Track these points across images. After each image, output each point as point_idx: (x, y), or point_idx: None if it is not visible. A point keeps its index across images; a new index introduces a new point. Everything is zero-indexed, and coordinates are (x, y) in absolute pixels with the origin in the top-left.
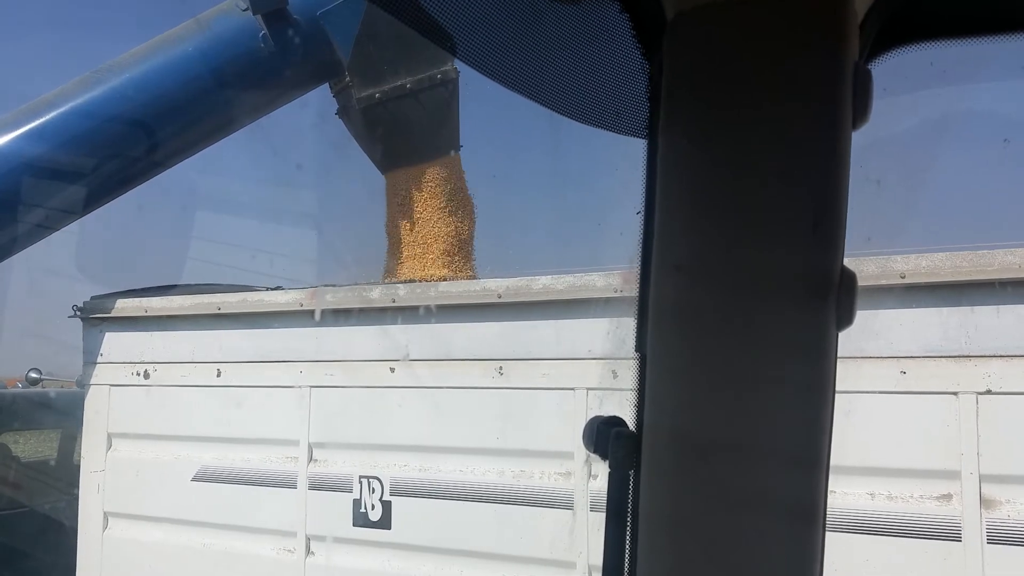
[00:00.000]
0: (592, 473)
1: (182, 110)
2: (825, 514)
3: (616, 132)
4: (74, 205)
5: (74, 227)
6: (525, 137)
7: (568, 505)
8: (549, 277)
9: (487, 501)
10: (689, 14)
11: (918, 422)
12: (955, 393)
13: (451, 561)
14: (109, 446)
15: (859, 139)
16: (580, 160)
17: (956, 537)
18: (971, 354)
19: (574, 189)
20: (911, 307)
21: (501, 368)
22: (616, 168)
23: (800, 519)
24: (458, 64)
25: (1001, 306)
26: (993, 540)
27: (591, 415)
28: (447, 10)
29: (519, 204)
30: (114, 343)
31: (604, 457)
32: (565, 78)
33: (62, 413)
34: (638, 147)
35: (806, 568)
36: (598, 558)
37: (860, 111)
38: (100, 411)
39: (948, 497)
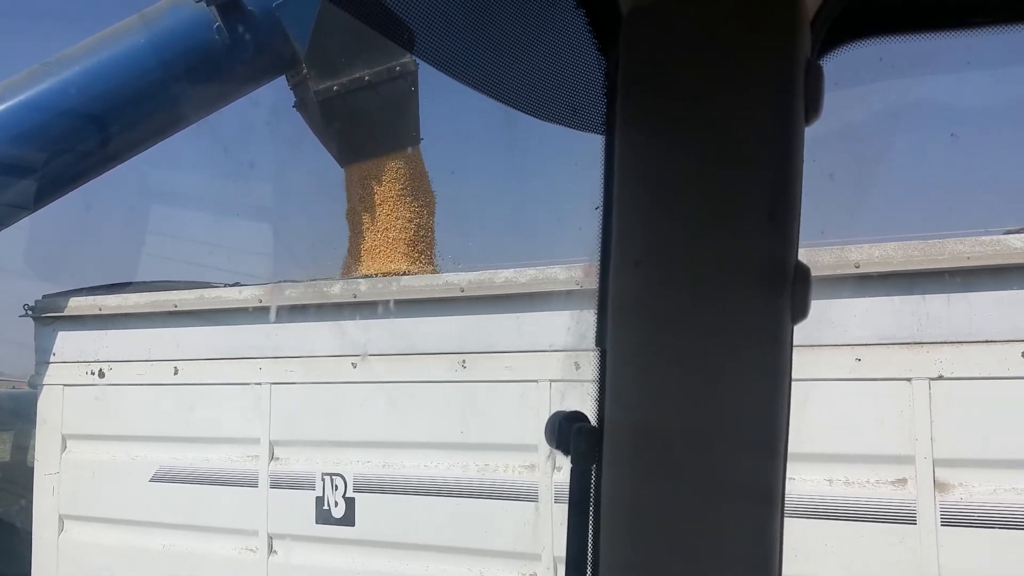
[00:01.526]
0: (556, 465)
1: (135, 103)
2: (784, 500)
3: (574, 128)
4: (24, 201)
5: (24, 224)
6: (485, 132)
7: (532, 498)
8: (511, 271)
9: (451, 496)
10: (643, 10)
11: (873, 408)
12: (908, 379)
13: (416, 556)
14: (64, 447)
15: (812, 133)
16: (540, 155)
17: (911, 520)
18: (923, 341)
19: (534, 184)
20: (865, 296)
21: (464, 361)
22: (575, 163)
23: (760, 506)
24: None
25: (951, 294)
26: (947, 523)
27: (554, 407)
28: (402, 5)
29: (479, 198)
30: (67, 342)
31: (566, 452)
32: (522, 74)
33: (14, 414)
34: (596, 143)
35: (766, 554)
36: (563, 550)
37: (812, 106)
38: (54, 412)
39: (903, 481)
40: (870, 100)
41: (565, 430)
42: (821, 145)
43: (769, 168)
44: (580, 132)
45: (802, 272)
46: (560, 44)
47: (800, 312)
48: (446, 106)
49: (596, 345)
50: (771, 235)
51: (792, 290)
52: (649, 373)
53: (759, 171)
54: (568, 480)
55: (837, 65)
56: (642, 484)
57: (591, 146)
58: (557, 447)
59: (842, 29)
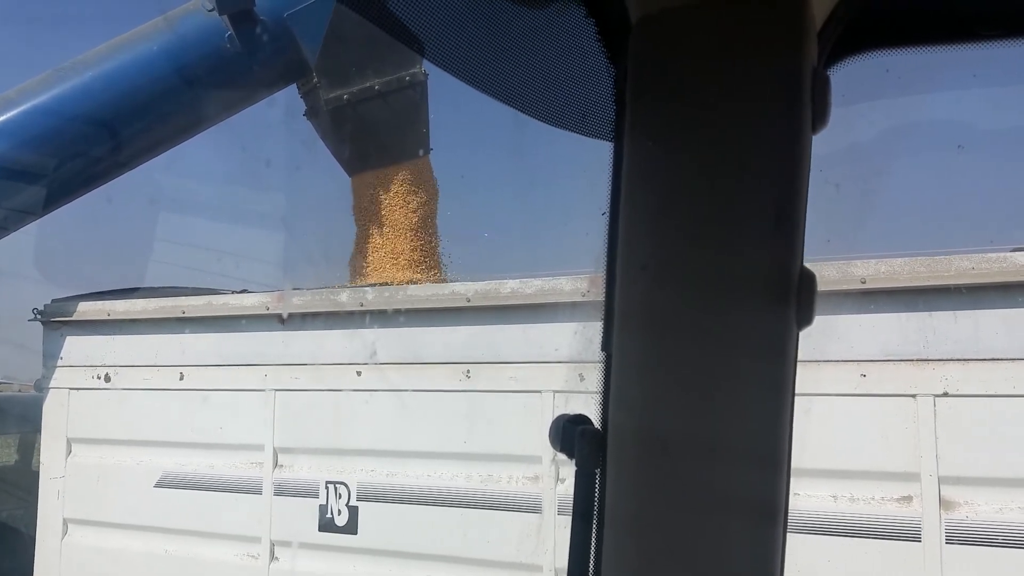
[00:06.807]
0: (559, 477)
1: (146, 110)
2: (786, 513)
3: (582, 134)
4: (34, 206)
5: (32, 228)
6: (494, 138)
7: (535, 509)
8: (517, 281)
9: (454, 505)
10: (653, 19)
11: (878, 424)
12: (913, 396)
13: (418, 566)
14: (69, 451)
15: (819, 144)
16: (549, 161)
17: (916, 538)
18: (929, 357)
19: (542, 190)
20: (871, 311)
21: (468, 371)
22: (583, 170)
23: (762, 518)
24: (427, 65)
25: (958, 311)
26: (951, 540)
27: None
28: (416, 11)
29: (487, 205)
30: (75, 346)
31: (570, 455)
32: (533, 81)
33: (20, 417)
34: (604, 149)
35: (768, 567)
36: (565, 562)
37: (819, 115)
38: (59, 415)
39: (908, 499)
40: (877, 112)
41: (569, 433)
42: (828, 156)
43: (776, 176)
44: (588, 139)
45: (807, 278)
46: (571, 52)
47: (805, 318)
48: (455, 112)
49: (602, 350)
50: (777, 242)
51: (797, 296)
52: (653, 378)
53: (766, 179)
54: (571, 491)
55: (845, 76)
56: (645, 491)
57: (598, 152)
58: (561, 450)
59: (849, 40)
